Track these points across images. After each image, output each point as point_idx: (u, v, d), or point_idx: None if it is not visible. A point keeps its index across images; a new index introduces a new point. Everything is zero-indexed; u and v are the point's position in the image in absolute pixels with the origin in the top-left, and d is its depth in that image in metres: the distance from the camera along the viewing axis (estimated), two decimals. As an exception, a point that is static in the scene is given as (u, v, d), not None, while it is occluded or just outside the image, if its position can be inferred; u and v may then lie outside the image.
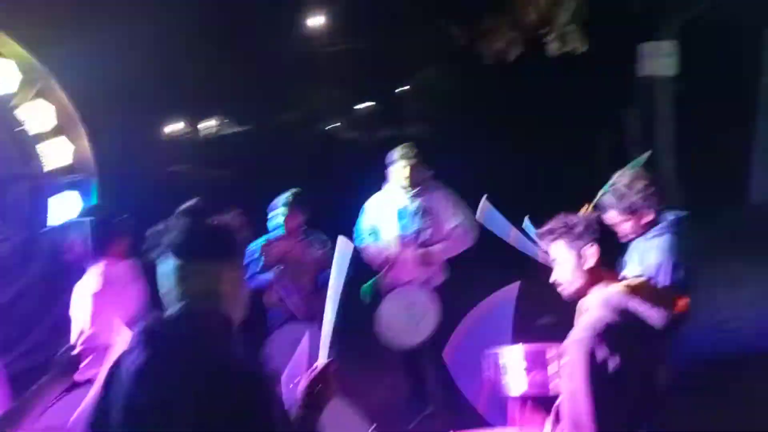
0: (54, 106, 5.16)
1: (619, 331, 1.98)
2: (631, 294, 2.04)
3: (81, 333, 2.85)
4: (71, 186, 5.30)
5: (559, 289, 2.31)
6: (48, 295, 4.54)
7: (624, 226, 3.02)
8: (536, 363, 2.46)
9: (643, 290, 2.07)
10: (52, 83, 5.06)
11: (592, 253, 2.15)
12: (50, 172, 5.07)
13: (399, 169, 4.14)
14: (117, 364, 1.60)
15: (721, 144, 7.78)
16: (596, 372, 1.95)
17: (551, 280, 2.31)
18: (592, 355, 1.96)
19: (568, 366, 2.04)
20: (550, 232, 2.25)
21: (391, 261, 4.22)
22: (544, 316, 4.99)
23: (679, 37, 7.29)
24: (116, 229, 3.08)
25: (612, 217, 3.03)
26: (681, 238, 2.90)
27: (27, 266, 4.68)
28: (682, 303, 2.48)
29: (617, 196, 3.01)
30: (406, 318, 4.10)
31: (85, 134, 5.36)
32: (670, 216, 2.98)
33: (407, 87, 24.95)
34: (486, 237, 4.29)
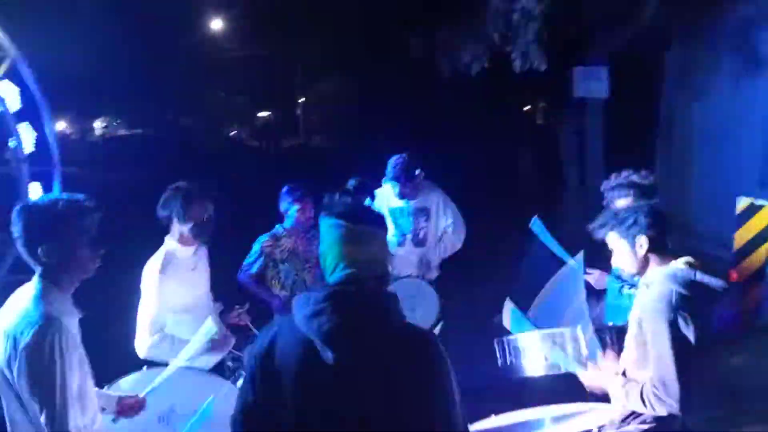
0: (19, 89, 4.74)
1: (691, 300, 2.27)
2: (694, 268, 2.34)
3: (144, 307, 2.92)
4: (33, 176, 4.87)
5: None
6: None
7: None
8: (554, 345, 2.62)
9: (701, 264, 2.37)
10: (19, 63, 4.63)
11: (641, 244, 2.42)
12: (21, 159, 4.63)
13: (398, 186, 4.25)
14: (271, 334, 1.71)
15: (637, 158, 8.55)
16: (678, 338, 2.25)
17: (613, 264, 2.57)
18: (672, 324, 2.26)
19: (652, 335, 2.30)
20: (602, 225, 2.50)
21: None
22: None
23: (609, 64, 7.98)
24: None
25: None
26: None
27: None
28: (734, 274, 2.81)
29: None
30: (408, 307, 4.16)
31: (50, 121, 4.95)
32: None
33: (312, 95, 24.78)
34: (473, 237, 4.51)
